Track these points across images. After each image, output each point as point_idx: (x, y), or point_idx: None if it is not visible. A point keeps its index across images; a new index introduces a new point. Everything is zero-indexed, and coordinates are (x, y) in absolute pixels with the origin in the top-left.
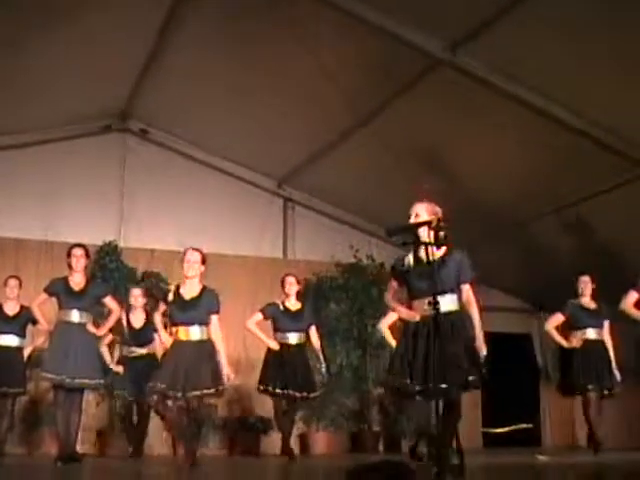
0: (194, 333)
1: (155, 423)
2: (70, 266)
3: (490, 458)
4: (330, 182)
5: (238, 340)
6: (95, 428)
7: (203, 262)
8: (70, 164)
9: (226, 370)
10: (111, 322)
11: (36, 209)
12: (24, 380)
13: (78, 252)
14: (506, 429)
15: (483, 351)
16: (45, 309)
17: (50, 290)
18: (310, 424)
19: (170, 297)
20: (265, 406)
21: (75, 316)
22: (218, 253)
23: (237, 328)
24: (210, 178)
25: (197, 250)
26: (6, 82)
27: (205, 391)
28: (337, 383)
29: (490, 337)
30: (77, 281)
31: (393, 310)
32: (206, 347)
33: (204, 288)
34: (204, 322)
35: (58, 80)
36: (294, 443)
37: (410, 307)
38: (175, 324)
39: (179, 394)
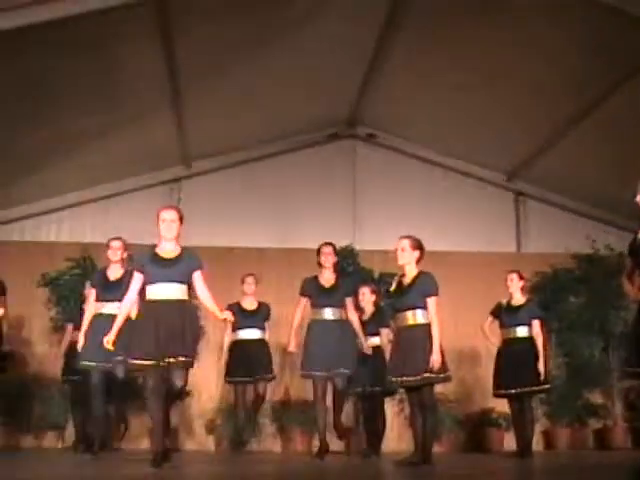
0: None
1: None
2: (320, 264)
3: None
4: (561, 172)
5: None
6: None
7: None
8: (302, 173)
9: None
10: None
11: (273, 219)
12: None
13: (326, 250)
14: None
15: None
16: None
17: (304, 291)
18: (554, 420)
19: (393, 286)
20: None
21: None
22: (450, 251)
23: (474, 326)
24: (438, 177)
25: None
26: (237, 99)
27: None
28: (580, 377)
29: None
30: (327, 277)
31: (626, 291)
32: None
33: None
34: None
35: (286, 93)
36: (538, 440)
37: None
38: None
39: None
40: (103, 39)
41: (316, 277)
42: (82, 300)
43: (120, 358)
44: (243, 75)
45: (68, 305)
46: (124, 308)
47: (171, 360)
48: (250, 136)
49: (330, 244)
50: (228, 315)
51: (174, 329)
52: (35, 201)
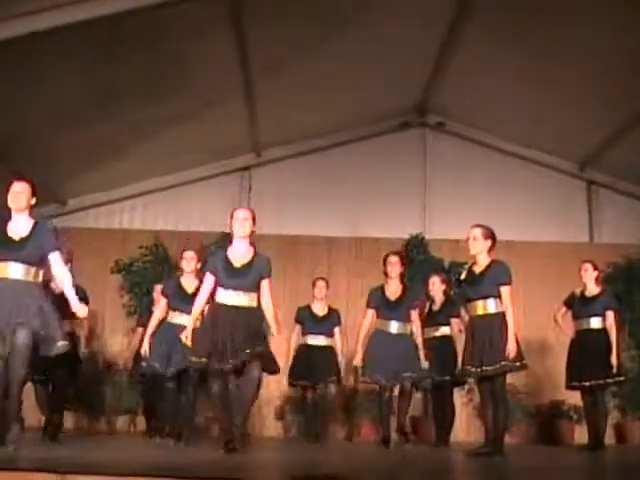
0: None
1: None
2: (387, 274)
3: None
4: (634, 160)
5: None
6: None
7: None
8: (371, 162)
9: None
10: None
11: (343, 208)
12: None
13: (393, 259)
14: None
15: None
16: None
17: (371, 303)
18: (625, 413)
19: (464, 275)
20: None
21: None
22: (521, 240)
23: (545, 317)
24: (509, 165)
25: None
26: (307, 87)
27: None
28: None
29: None
30: (392, 289)
31: None
32: None
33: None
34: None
35: (357, 82)
36: (609, 433)
37: None
38: None
39: None
40: (176, 29)
41: (382, 287)
42: (153, 302)
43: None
44: (313, 65)
45: (140, 292)
46: (196, 310)
47: (243, 354)
48: (320, 125)
49: (396, 253)
50: (279, 331)
51: (245, 334)
52: (109, 189)
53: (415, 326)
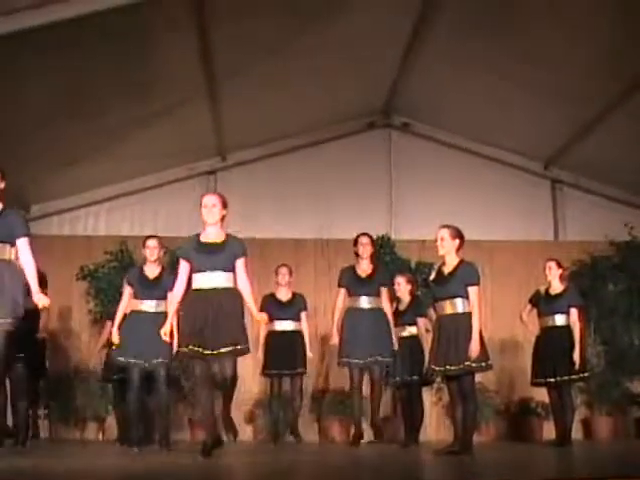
0: None
1: None
2: (358, 254)
3: None
4: (599, 158)
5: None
6: None
7: None
8: (338, 163)
9: None
10: None
11: (310, 210)
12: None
13: (364, 240)
14: None
15: None
16: None
17: (342, 281)
18: (593, 409)
19: (433, 276)
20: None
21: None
22: (487, 239)
23: (512, 315)
24: (474, 165)
25: None
26: (272, 89)
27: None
28: (619, 366)
29: None
30: (364, 267)
31: None
32: None
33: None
34: None
35: (322, 83)
36: (577, 429)
37: None
38: None
39: None
40: (138, 31)
41: (353, 267)
42: (121, 295)
43: (160, 360)
44: (278, 66)
45: (106, 298)
46: (175, 299)
47: (222, 350)
48: (285, 127)
49: (367, 235)
50: (264, 318)
51: (222, 318)
52: (72, 195)
53: (385, 303)
